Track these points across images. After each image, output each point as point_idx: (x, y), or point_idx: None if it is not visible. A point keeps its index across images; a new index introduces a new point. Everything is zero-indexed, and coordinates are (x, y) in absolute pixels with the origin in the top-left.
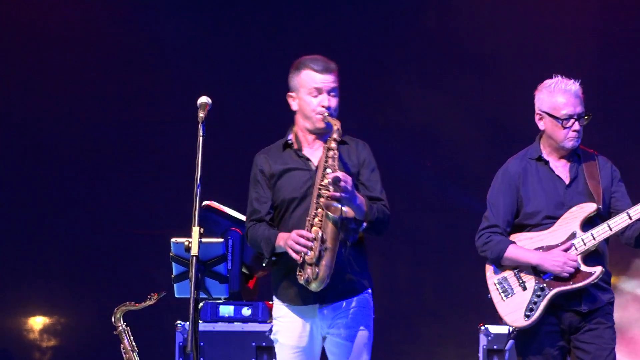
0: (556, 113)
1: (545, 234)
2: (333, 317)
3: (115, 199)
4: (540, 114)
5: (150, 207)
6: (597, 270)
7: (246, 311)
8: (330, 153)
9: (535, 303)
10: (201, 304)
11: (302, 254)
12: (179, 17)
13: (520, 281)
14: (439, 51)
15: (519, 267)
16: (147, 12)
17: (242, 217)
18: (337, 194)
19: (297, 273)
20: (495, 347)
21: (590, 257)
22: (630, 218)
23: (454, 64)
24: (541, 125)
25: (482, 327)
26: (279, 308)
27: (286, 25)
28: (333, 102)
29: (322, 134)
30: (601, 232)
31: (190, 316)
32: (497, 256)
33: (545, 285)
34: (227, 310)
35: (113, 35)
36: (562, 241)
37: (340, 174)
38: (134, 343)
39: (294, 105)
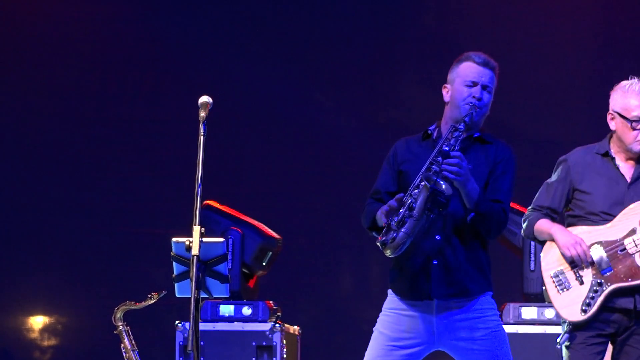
0: (627, 114)
1: (603, 229)
2: (451, 321)
3: (115, 198)
4: (612, 114)
5: (151, 206)
6: None
7: (246, 311)
8: (455, 133)
9: (592, 298)
10: (201, 304)
11: (390, 217)
12: (180, 16)
13: (578, 275)
14: (440, 50)
15: (575, 264)
16: (148, 11)
17: (243, 217)
18: (446, 170)
19: (380, 235)
20: None
21: None
22: None
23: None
24: (612, 125)
25: None
26: (390, 300)
27: (288, 25)
28: (486, 97)
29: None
30: None
31: (191, 316)
32: (531, 229)
33: (603, 280)
34: (227, 309)
35: (114, 34)
36: (621, 237)
37: (457, 153)
38: (134, 342)
39: (447, 96)
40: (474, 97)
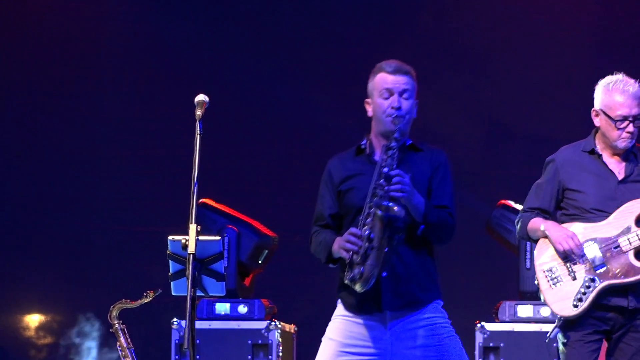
0: (611, 113)
1: (598, 226)
2: (404, 330)
3: (112, 196)
4: (596, 111)
5: (147, 204)
6: None
7: (242, 309)
8: (389, 152)
9: (584, 293)
10: (197, 302)
11: (351, 252)
12: (177, 14)
13: (570, 270)
14: (435, 49)
15: (568, 259)
16: (145, 9)
17: (238, 215)
18: (391, 191)
19: (345, 272)
20: (491, 344)
21: None
22: None
23: (450, 61)
24: (596, 122)
25: (478, 325)
26: (340, 307)
27: (286, 23)
28: (405, 104)
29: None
30: None
31: (187, 314)
32: (524, 230)
33: (596, 276)
34: (223, 308)
35: (111, 32)
36: (615, 234)
37: (396, 171)
38: (130, 341)
39: (369, 111)
40: (392, 107)
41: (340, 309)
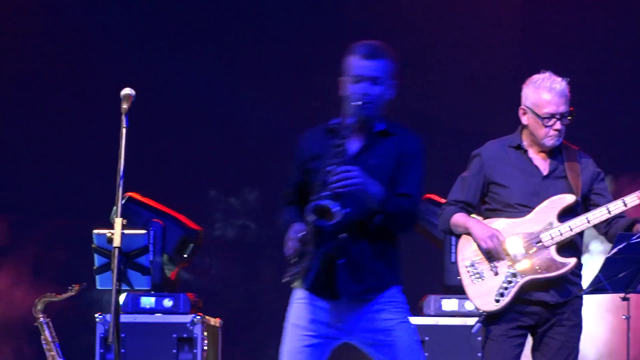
0: (538, 111)
1: (521, 221)
2: (360, 315)
3: (37, 189)
4: (524, 109)
5: (72, 198)
6: (572, 261)
7: (167, 302)
8: (336, 150)
9: (506, 288)
10: (122, 296)
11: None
12: (102, 7)
13: (493, 266)
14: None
15: (491, 257)
16: (73, 3)
17: (164, 209)
18: (337, 186)
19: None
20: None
21: (565, 248)
22: (609, 212)
23: None
24: (524, 119)
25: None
26: (298, 292)
27: (215, 18)
28: (374, 90)
29: (365, 124)
30: (579, 224)
31: (113, 308)
32: (447, 223)
33: (518, 272)
34: (148, 301)
35: (35, 26)
36: (538, 230)
37: (343, 168)
38: (54, 334)
39: (343, 89)
40: (360, 94)
41: (297, 292)
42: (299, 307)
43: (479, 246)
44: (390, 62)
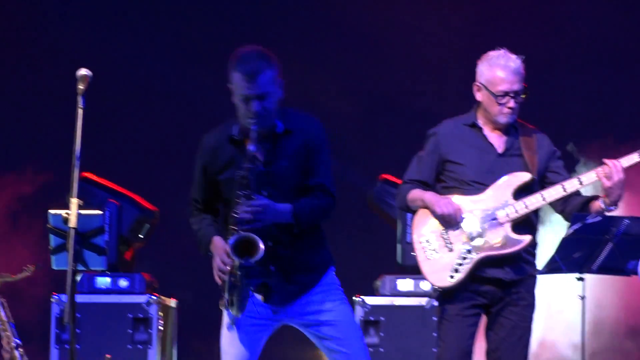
0: (492, 88)
1: (477, 199)
2: (299, 304)
3: None
4: (478, 86)
5: (28, 178)
6: (527, 238)
7: (123, 283)
8: (244, 181)
9: (460, 265)
10: (78, 276)
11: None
12: None
13: (447, 242)
14: (317, 24)
15: (447, 229)
16: None
17: (120, 189)
18: (249, 225)
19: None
20: (371, 318)
21: (520, 226)
22: (565, 190)
23: (331, 36)
24: (478, 96)
25: (359, 299)
26: None
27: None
28: (264, 104)
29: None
30: (534, 201)
31: (68, 288)
32: (404, 200)
33: (472, 248)
34: (104, 282)
35: None
36: (493, 207)
37: (247, 208)
38: (9, 314)
39: (235, 100)
40: (251, 112)
41: None
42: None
43: (435, 212)
44: (273, 69)
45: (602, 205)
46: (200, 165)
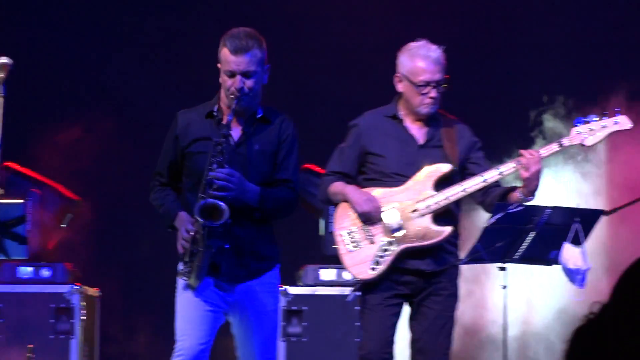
0: (414, 78)
1: (398, 191)
2: (245, 295)
3: None
4: (399, 77)
5: None
6: (447, 229)
7: (45, 272)
8: (219, 148)
9: (381, 257)
10: None
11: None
12: None
13: (369, 234)
14: (242, 13)
15: (368, 221)
16: None
17: (42, 179)
18: (217, 189)
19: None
20: (294, 308)
21: (442, 217)
22: (485, 181)
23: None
24: (399, 87)
25: (282, 289)
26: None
27: None
28: (248, 83)
29: (244, 112)
30: (454, 193)
31: None
32: (325, 193)
33: (394, 240)
34: (25, 271)
35: None
36: (414, 199)
37: (221, 171)
38: None
39: (220, 78)
40: (234, 88)
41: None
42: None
43: (355, 210)
44: (261, 50)
45: (520, 196)
46: (171, 137)
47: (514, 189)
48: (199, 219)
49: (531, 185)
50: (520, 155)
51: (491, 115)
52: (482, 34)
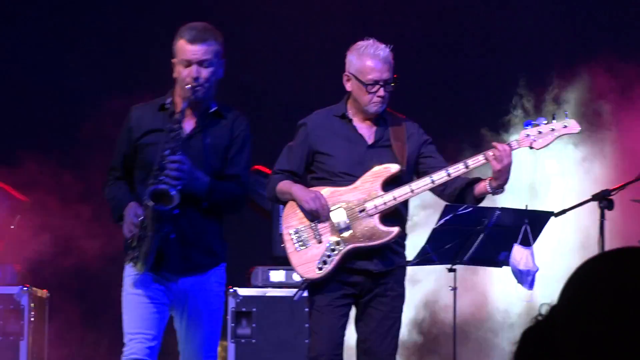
0: (362, 77)
1: (346, 190)
2: (189, 290)
3: None
4: (347, 76)
5: None
6: (395, 230)
7: None
8: (173, 134)
9: (329, 256)
10: None
11: (131, 234)
12: None
13: (316, 234)
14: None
15: (316, 221)
16: None
17: None
18: (168, 175)
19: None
20: (243, 309)
21: (389, 218)
22: (449, 176)
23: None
24: (348, 86)
25: (231, 290)
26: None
27: None
28: (204, 72)
29: (198, 105)
30: (402, 193)
31: None
32: (273, 191)
33: (341, 240)
34: None
35: None
36: (362, 199)
37: (174, 157)
38: None
39: (175, 72)
40: (190, 77)
41: (131, 269)
42: (136, 279)
43: (302, 208)
44: (217, 42)
45: (489, 188)
46: (125, 130)
47: (478, 180)
48: (148, 203)
49: (501, 178)
50: (493, 147)
51: (452, 114)
52: (442, 32)
